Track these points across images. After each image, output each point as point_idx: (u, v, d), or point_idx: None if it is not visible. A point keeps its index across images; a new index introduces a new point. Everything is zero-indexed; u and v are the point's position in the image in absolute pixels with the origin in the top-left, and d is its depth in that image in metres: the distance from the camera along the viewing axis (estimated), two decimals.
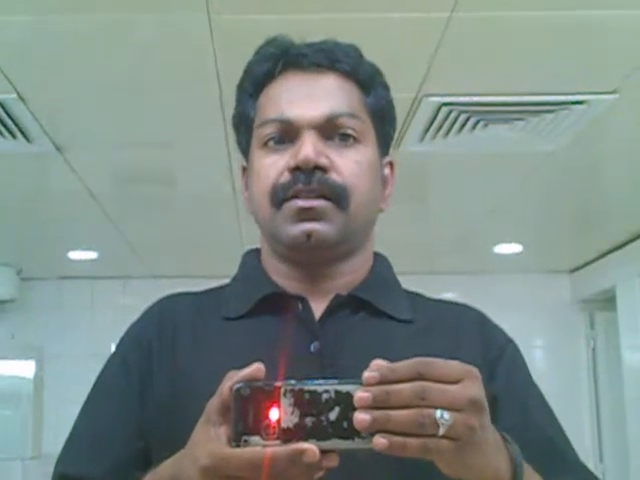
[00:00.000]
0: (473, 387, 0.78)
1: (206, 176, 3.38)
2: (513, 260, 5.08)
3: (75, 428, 1.09)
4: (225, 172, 3.25)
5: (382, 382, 0.75)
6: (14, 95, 2.46)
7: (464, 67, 2.36)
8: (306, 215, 1.02)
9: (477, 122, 2.74)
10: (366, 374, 0.76)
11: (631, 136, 2.90)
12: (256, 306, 1.08)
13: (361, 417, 0.74)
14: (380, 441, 0.74)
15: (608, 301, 5.03)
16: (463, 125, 2.76)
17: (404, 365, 0.77)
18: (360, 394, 0.75)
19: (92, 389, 1.12)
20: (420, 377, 0.76)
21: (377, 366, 0.77)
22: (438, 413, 0.75)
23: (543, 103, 2.58)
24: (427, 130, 2.80)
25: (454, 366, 0.79)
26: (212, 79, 2.38)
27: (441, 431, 0.75)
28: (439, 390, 0.76)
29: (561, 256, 5.17)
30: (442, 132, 2.82)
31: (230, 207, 3.79)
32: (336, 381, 0.77)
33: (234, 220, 4.02)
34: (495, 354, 1.08)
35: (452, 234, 4.51)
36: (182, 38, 2.17)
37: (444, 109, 2.62)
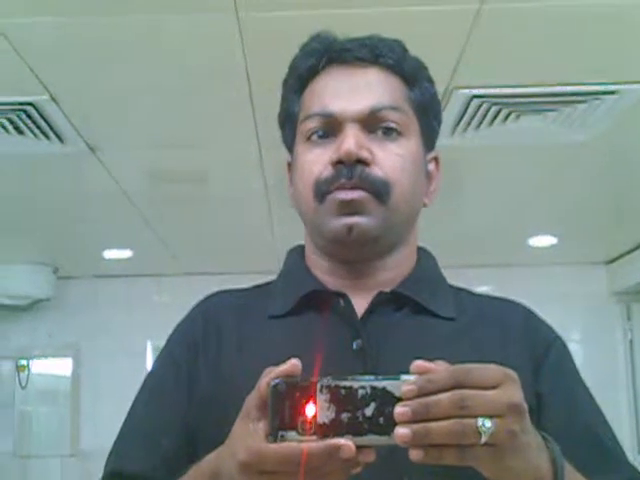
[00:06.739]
0: (512, 391, 0.77)
1: (238, 174, 3.40)
2: (548, 252, 5.03)
3: (125, 425, 1.10)
4: (256, 170, 3.26)
5: (420, 394, 0.75)
6: (46, 96, 2.49)
7: (494, 59, 2.34)
8: (347, 209, 1.02)
9: (509, 114, 2.71)
10: (404, 388, 0.75)
11: None
12: (299, 303, 1.08)
13: (402, 432, 0.74)
14: (415, 453, 0.74)
15: None
16: (494, 117, 2.74)
17: (441, 375, 0.76)
18: (400, 410, 0.74)
19: (141, 387, 1.13)
20: (458, 385, 0.75)
21: (417, 367, 0.77)
22: (479, 421, 0.74)
23: (575, 93, 2.55)
24: (458, 123, 2.79)
25: (492, 370, 0.77)
26: (242, 78, 2.39)
27: (483, 439, 0.74)
28: (478, 397, 0.75)
29: (596, 248, 5.11)
30: (473, 125, 2.80)
31: (262, 204, 3.81)
32: (372, 377, 0.77)
33: (266, 217, 4.04)
34: (542, 350, 1.07)
35: (486, 227, 4.47)
36: (211, 38, 2.18)
37: (475, 101, 2.60)
